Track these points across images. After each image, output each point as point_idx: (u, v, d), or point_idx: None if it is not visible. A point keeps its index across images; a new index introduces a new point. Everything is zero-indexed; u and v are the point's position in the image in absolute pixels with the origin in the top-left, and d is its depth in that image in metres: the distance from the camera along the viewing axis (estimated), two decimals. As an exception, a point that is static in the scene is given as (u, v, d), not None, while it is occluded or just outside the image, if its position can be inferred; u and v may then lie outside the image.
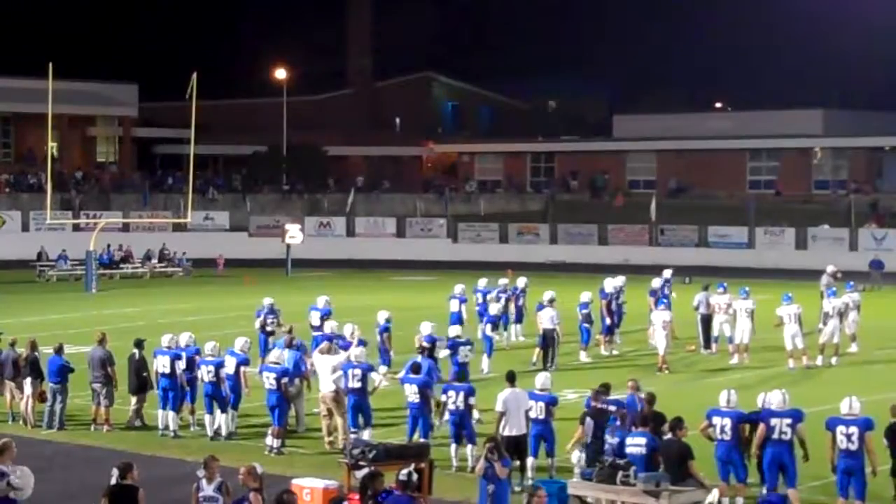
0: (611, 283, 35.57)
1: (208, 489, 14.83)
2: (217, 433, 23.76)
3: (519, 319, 36.79)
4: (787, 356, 31.81)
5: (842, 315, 32.97)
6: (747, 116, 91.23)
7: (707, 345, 34.52)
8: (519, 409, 20.11)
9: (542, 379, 20.70)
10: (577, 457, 19.01)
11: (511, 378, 20.72)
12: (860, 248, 63.93)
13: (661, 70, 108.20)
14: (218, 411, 23.82)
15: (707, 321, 34.43)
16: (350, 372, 22.73)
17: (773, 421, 18.22)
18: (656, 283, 36.70)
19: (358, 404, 22.74)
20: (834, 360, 32.41)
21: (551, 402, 20.30)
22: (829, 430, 17.98)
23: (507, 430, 19.96)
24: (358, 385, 22.69)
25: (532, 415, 20.24)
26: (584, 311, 33.62)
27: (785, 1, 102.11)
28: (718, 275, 44.59)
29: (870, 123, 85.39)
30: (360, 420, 22.71)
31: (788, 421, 18.15)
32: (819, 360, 32.19)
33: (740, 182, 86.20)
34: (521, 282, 37.47)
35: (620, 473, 17.20)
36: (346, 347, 24.70)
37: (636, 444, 17.87)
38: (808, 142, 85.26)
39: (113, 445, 23.17)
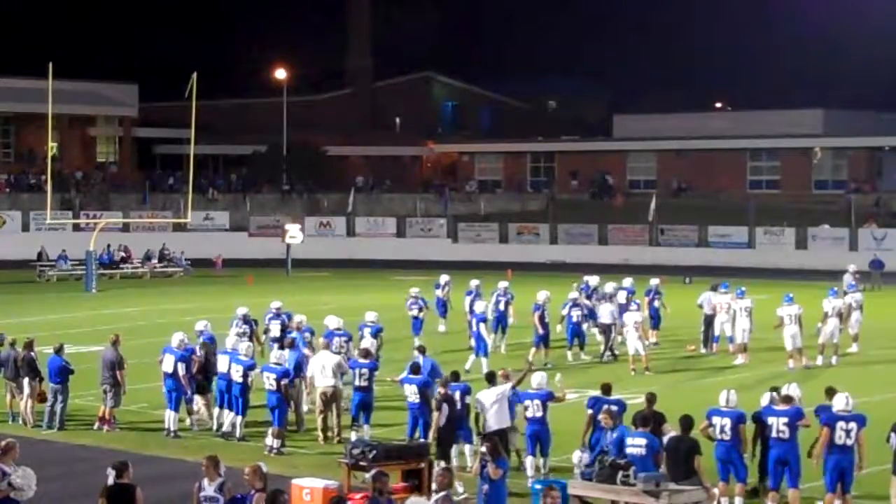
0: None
1: (209, 489, 14.80)
2: (227, 432, 23.74)
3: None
4: (786, 356, 31.80)
5: (842, 315, 33.00)
6: (747, 116, 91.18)
7: (707, 344, 34.55)
8: (492, 406, 20.08)
9: (537, 378, 20.76)
10: (577, 457, 19.00)
11: (490, 378, 20.89)
12: (860, 248, 63.90)
13: (661, 70, 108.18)
14: (231, 412, 23.73)
15: (710, 321, 34.47)
16: (357, 371, 22.95)
17: (770, 419, 18.28)
18: (654, 282, 36.77)
19: (363, 402, 22.95)
20: (834, 359, 32.41)
21: (547, 399, 20.33)
22: (827, 426, 17.94)
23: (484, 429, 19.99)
24: (365, 384, 22.92)
25: (528, 413, 20.31)
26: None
27: (785, 1, 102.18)
28: (718, 275, 44.57)
29: (870, 123, 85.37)
30: (361, 418, 22.84)
31: (785, 420, 18.16)
32: (819, 360, 32.19)
33: (740, 182, 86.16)
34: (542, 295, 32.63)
35: (620, 473, 17.21)
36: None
37: (636, 444, 17.84)
38: (808, 142, 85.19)
39: (113, 445, 23.17)
